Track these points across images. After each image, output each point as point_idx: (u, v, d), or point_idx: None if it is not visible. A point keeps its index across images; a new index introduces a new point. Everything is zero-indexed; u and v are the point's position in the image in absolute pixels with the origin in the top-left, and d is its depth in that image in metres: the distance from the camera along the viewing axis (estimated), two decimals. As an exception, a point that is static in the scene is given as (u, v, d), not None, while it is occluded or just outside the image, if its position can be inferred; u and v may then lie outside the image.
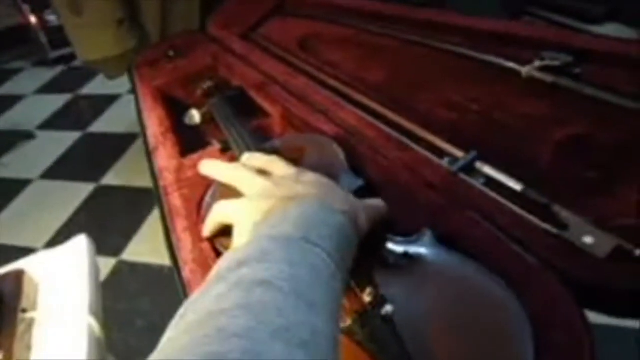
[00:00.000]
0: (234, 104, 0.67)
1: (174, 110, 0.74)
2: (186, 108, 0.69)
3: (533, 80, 0.60)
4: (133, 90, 0.85)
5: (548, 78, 0.59)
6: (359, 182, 0.49)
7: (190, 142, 0.65)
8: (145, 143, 0.67)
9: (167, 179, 0.57)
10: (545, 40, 0.64)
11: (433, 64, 0.70)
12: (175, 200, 0.55)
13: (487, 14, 0.69)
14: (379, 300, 0.36)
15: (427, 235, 0.42)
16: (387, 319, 0.35)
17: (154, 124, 0.70)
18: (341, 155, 0.52)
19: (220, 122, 0.63)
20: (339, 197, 0.40)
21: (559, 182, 0.50)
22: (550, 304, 0.37)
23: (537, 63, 0.60)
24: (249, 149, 0.54)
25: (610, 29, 1.80)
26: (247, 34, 0.92)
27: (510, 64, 0.62)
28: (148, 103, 0.76)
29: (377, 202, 0.44)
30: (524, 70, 0.61)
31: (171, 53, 0.88)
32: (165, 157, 0.61)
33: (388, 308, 0.35)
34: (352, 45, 0.80)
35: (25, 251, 0.65)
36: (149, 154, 0.64)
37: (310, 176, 0.42)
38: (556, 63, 0.59)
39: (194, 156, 0.60)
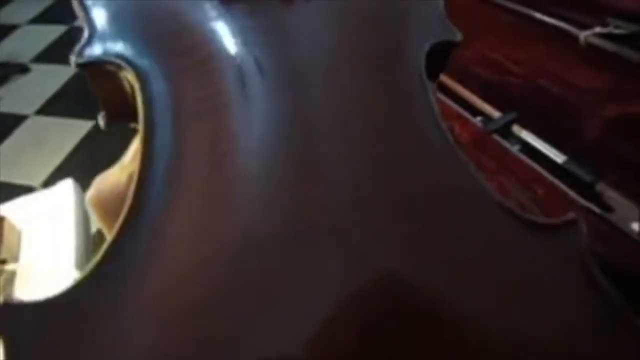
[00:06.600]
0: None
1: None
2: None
3: (591, 48, 0.52)
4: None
5: (609, 47, 0.51)
6: None
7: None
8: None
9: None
10: (616, 7, 0.55)
11: (475, 17, 0.62)
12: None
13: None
14: None
15: None
16: None
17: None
18: None
19: None
20: None
21: (605, 161, 0.44)
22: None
23: (599, 29, 0.52)
24: None
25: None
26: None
27: (567, 27, 0.54)
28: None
29: None
30: (582, 35, 0.53)
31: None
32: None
33: None
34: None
35: (23, 189, 0.59)
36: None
37: None
38: (621, 31, 0.51)
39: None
